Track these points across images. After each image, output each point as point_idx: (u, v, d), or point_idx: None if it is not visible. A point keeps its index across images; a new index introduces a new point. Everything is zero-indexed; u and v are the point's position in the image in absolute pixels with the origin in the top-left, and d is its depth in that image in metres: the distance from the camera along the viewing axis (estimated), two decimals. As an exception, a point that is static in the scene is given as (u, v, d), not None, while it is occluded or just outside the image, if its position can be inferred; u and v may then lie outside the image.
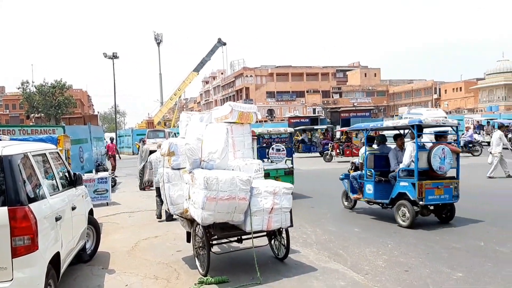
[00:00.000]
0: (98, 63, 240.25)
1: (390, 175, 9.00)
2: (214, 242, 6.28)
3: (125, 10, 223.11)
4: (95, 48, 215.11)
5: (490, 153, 14.96)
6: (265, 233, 6.28)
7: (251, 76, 79.39)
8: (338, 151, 24.25)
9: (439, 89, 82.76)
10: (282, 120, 55.45)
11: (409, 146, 8.75)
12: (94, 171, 14.57)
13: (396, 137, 9.59)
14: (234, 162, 6.46)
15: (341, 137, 26.85)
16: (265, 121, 59.41)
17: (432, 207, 8.65)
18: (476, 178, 14.15)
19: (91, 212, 7.17)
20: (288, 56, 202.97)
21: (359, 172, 9.89)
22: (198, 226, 6.08)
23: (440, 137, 9.22)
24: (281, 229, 6.24)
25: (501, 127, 15.81)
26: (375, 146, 10.25)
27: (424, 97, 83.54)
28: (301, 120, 37.28)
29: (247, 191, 5.66)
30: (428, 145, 8.92)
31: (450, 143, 9.05)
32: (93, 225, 7.10)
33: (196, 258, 6.23)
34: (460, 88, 78.40)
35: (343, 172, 10.62)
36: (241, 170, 6.25)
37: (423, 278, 5.60)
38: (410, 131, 9.49)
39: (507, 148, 14.71)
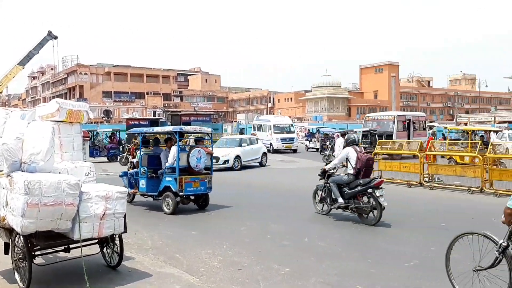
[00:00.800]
0: None
1: (159, 171, 10.62)
2: (37, 252, 5.67)
3: None
4: None
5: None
6: (96, 241, 5.91)
7: (85, 73, 74.39)
8: (134, 153, 23.98)
9: (273, 98, 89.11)
10: (119, 122, 53.19)
11: (174, 148, 10.31)
12: None
13: (166, 140, 11.13)
14: (61, 164, 5.94)
15: (133, 141, 26.16)
16: (100, 122, 56.37)
17: (193, 197, 10.56)
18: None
19: None
20: (126, 55, 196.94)
21: (136, 169, 11.29)
22: (18, 235, 5.41)
23: (198, 141, 11.36)
24: (114, 236, 5.92)
25: (343, 134, 17.69)
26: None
27: (260, 105, 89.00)
28: (140, 122, 35.95)
29: (76, 196, 5.22)
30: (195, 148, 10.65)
31: (207, 146, 11.37)
32: None
33: (15, 271, 5.54)
34: (291, 98, 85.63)
35: (123, 170, 11.99)
36: (70, 173, 5.78)
37: (255, 275, 5.88)
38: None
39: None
